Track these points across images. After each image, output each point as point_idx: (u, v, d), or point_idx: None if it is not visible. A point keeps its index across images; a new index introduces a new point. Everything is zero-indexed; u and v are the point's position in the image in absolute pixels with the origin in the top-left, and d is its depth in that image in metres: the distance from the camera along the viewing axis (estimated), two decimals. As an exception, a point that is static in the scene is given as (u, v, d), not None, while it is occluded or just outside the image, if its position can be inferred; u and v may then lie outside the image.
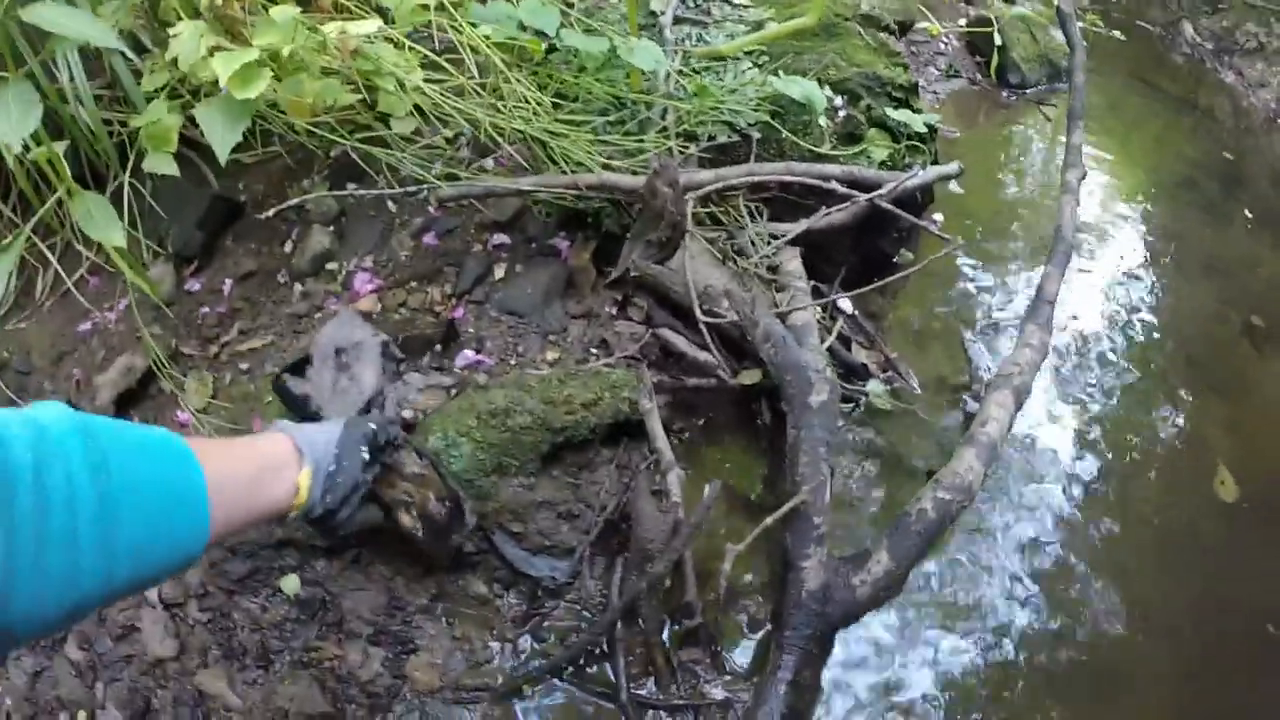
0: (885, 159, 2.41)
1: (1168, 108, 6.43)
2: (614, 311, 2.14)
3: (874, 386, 2.21)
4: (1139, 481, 2.34)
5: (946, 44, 4.59)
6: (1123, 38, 6.69)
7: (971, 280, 2.89)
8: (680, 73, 2.22)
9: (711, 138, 2.20)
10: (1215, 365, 2.84)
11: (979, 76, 4.57)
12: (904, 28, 3.97)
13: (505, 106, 2.13)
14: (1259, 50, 7.65)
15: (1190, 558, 2.17)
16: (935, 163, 2.68)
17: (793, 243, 2.19)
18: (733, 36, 2.40)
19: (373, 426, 1.54)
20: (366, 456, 1.49)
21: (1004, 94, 4.59)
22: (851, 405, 2.24)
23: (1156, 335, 2.91)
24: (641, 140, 2.11)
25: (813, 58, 2.46)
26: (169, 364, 2.25)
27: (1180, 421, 2.57)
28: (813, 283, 2.23)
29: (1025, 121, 4.42)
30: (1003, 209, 3.40)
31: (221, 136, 1.97)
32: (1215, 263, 3.49)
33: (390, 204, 2.42)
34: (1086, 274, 3.10)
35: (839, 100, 2.41)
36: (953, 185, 3.16)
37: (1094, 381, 2.66)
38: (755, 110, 2.18)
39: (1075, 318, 2.83)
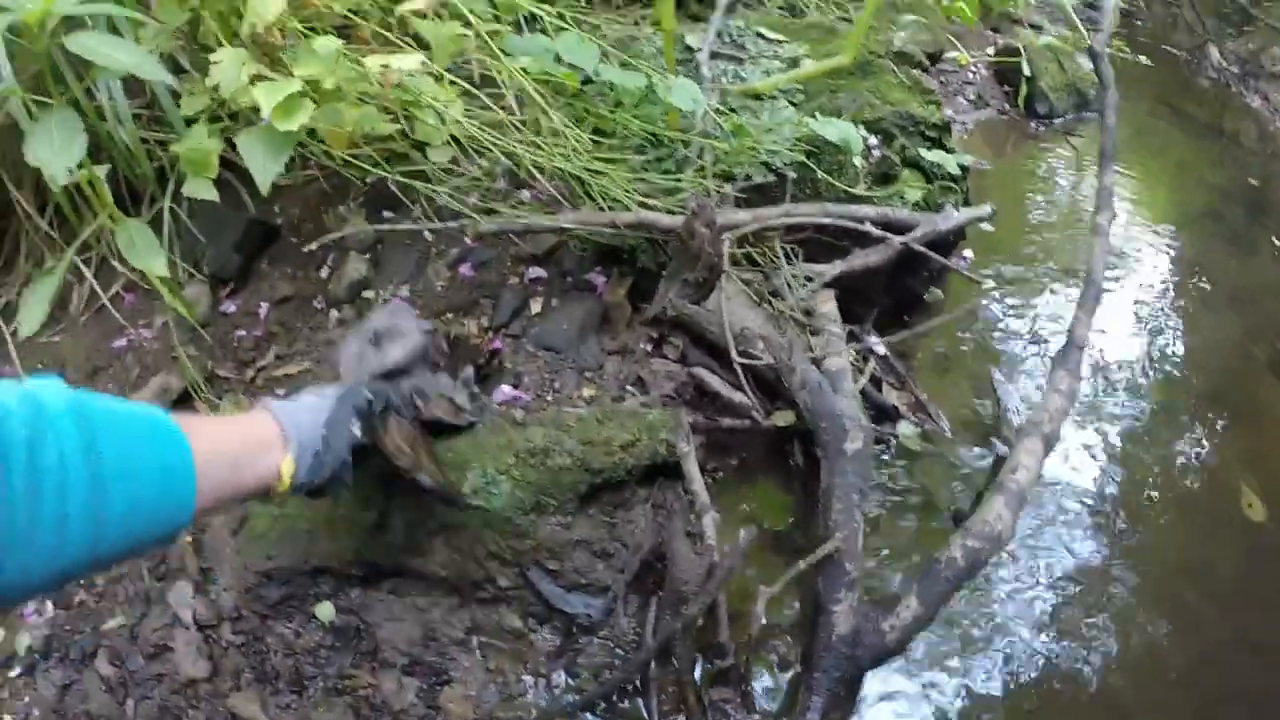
0: (919, 199, 2.46)
1: (1193, 133, 6.49)
2: (649, 349, 2.20)
3: (904, 429, 2.27)
4: (1163, 509, 2.38)
5: (975, 73, 4.65)
6: (1148, 63, 6.76)
7: (1000, 315, 2.94)
8: (718, 111, 2.27)
9: (748, 177, 2.26)
10: (1239, 395, 2.89)
11: (1007, 106, 4.64)
12: (933, 58, 4.01)
13: (544, 141, 2.19)
14: None
15: (1217, 585, 2.21)
16: (967, 202, 2.74)
17: (827, 285, 2.24)
18: (768, 73, 2.46)
19: (368, 396, 1.59)
20: (357, 433, 1.53)
21: (1032, 124, 4.65)
22: (882, 446, 2.28)
23: (1180, 364, 2.96)
24: (679, 179, 2.16)
25: (848, 96, 2.51)
26: (205, 386, 2.31)
27: (1205, 448, 2.62)
28: (848, 328, 2.27)
29: (1053, 152, 4.47)
30: (1031, 242, 3.45)
31: (263, 166, 2.03)
32: (1240, 292, 3.55)
33: (426, 233, 2.47)
34: (1110, 297, 3.14)
35: (873, 140, 2.47)
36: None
37: (1117, 409, 2.71)
38: (791, 150, 2.23)
39: (1099, 348, 2.88)
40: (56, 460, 0.95)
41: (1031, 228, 3.63)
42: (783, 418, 2.07)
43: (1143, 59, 6.72)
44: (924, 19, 3.92)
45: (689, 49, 2.55)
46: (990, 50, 4.95)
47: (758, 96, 2.39)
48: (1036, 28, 5.95)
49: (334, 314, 2.42)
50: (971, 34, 4.94)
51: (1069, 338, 2.45)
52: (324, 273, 2.53)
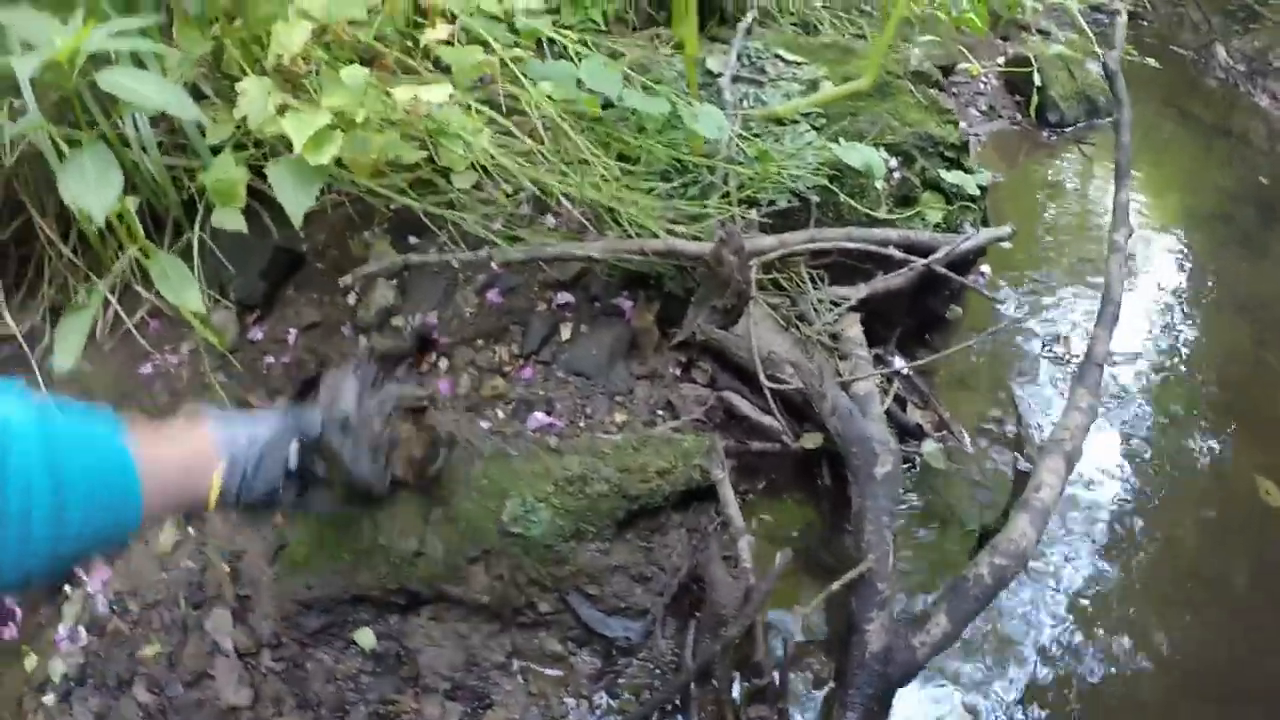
0: (939, 220, 2.54)
1: (1202, 134, 6.59)
2: (678, 373, 2.28)
3: (929, 447, 2.35)
4: (1178, 514, 2.46)
5: (986, 84, 4.74)
6: (1156, 65, 6.84)
7: (1019, 328, 3.02)
8: (740, 136, 2.34)
9: (771, 202, 2.34)
10: (1251, 400, 2.97)
11: (1019, 115, 4.72)
12: (946, 71, 4.11)
13: (570, 168, 2.26)
14: None
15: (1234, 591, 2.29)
16: (986, 220, 2.81)
17: (852, 308, 2.32)
18: (789, 96, 2.54)
19: (318, 426, 1.62)
20: (293, 461, 1.57)
21: (1044, 133, 4.74)
22: (908, 465, 2.36)
23: (1193, 368, 3.05)
24: (705, 205, 2.24)
25: (868, 118, 2.60)
26: None
27: (1219, 452, 2.70)
28: (873, 351, 2.35)
29: (1066, 161, 4.56)
30: (1047, 253, 3.54)
31: (294, 199, 2.10)
32: (1251, 298, 3.66)
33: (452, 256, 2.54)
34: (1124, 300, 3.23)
35: (893, 162, 2.55)
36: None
37: (1130, 414, 2.80)
38: (815, 174, 2.31)
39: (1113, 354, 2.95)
40: (22, 473, 1.05)
41: (1046, 239, 3.71)
42: (811, 440, 2.15)
43: (1151, 61, 6.82)
44: (936, 35, 4.02)
45: (710, 73, 2.63)
46: (1001, 60, 5.04)
47: (780, 121, 2.47)
48: (1045, 34, 6.04)
49: (363, 340, 2.48)
50: (982, 44, 5.03)
51: (1088, 355, 2.53)
52: (351, 299, 2.59)
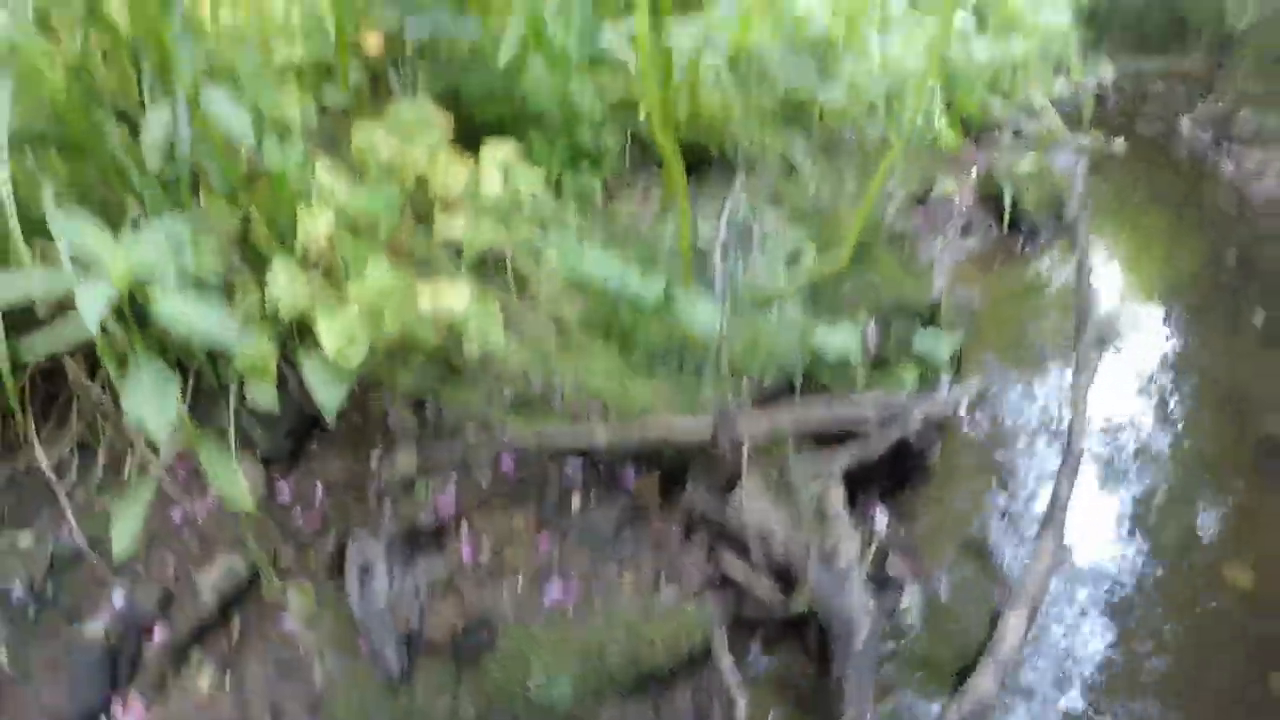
0: (916, 378, 2.84)
1: (1172, 207, 7.02)
2: (680, 540, 2.55)
3: (908, 599, 2.62)
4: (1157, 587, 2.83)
5: (962, 202, 5.05)
6: (1124, 144, 7.20)
7: (993, 464, 3.30)
8: (732, 313, 2.64)
9: (762, 380, 2.62)
10: (1226, 477, 3.37)
11: (994, 228, 5.04)
12: (922, 197, 4.44)
13: (575, 350, 2.55)
14: (1255, 138, 8.19)
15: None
16: (959, 368, 3.12)
17: (837, 474, 2.61)
18: (775, 265, 2.84)
19: None
20: None
21: (1018, 244, 5.07)
22: (890, 613, 2.63)
23: (1172, 444, 3.45)
24: (700, 384, 2.53)
25: (850, 288, 2.91)
26: (270, 570, 2.58)
27: (1196, 530, 3.10)
28: (860, 502, 2.62)
29: (1038, 271, 4.87)
30: (1021, 368, 3.83)
31: (328, 396, 2.39)
32: (1224, 373, 4.14)
33: (468, 422, 2.81)
34: (1106, 376, 3.74)
35: (871, 327, 2.84)
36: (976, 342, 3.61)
37: (1110, 491, 3.19)
38: (799, 354, 2.60)
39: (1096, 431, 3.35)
40: None
41: (1019, 356, 4.00)
42: (799, 603, 2.41)
43: (1119, 141, 7.20)
44: (913, 161, 4.35)
45: (702, 238, 2.92)
46: (974, 172, 5.37)
47: (769, 299, 2.77)
48: (1017, 133, 6.41)
49: (387, 502, 2.73)
50: (957, 160, 5.36)
51: (1052, 500, 2.82)
52: (372, 461, 2.84)
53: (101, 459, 2.79)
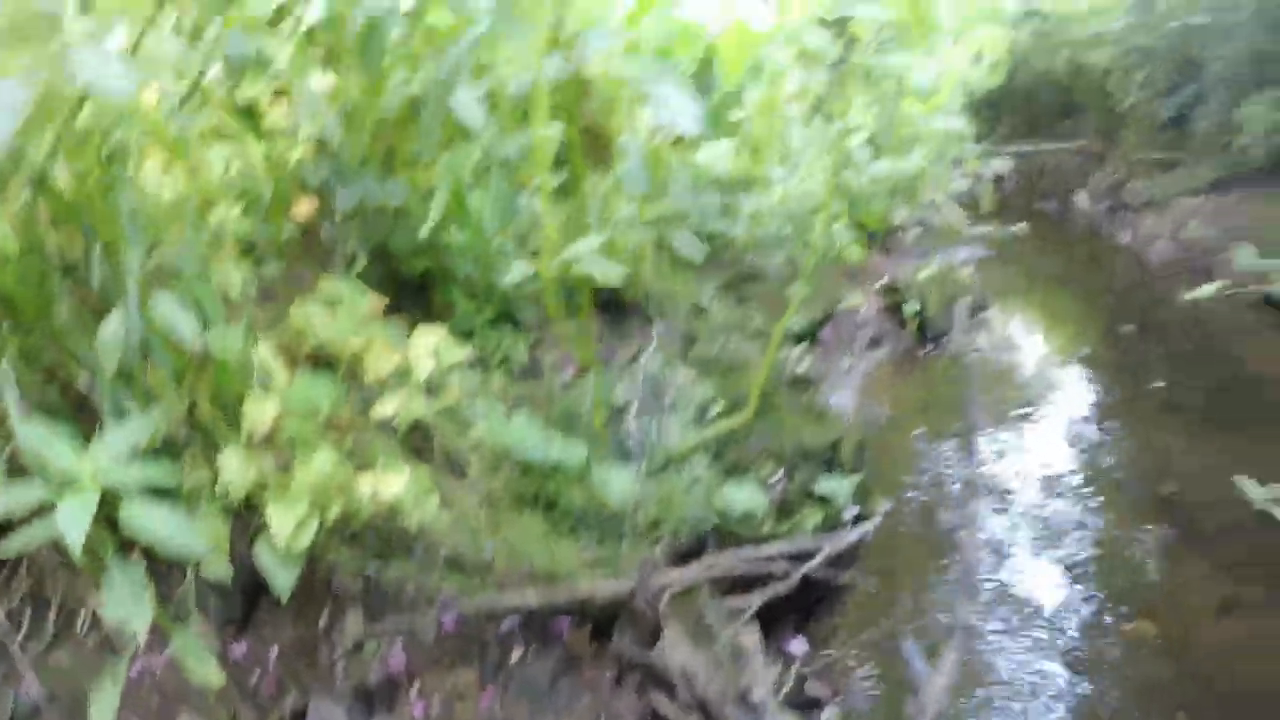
0: (819, 522, 3.15)
1: (1076, 279, 7.54)
2: (612, 685, 2.82)
3: (828, 717, 2.90)
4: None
5: (869, 313, 5.42)
6: (1025, 225, 7.72)
7: (901, 580, 3.61)
8: (648, 473, 2.94)
9: (676, 536, 2.92)
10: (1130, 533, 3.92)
11: (901, 336, 5.41)
12: (827, 318, 4.80)
13: (505, 520, 2.83)
14: (1147, 205, 8.80)
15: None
16: (866, 494, 3.44)
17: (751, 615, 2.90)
18: (686, 425, 3.15)
19: None
20: None
21: (924, 349, 5.44)
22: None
23: (1072, 507, 3.95)
24: (621, 543, 2.82)
25: (755, 440, 3.23)
26: None
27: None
28: (778, 633, 2.95)
29: (944, 377, 5.24)
30: (924, 491, 4.16)
31: (281, 579, 2.65)
32: (1127, 434, 4.83)
33: (410, 585, 3.06)
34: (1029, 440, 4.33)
35: (776, 475, 3.16)
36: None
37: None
38: (709, 511, 2.91)
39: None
40: None
41: (923, 470, 4.34)
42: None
43: (1020, 225, 7.70)
44: (817, 283, 4.70)
45: (617, 409, 3.23)
46: (880, 284, 5.76)
47: (681, 457, 3.07)
48: (923, 231, 6.85)
49: (340, 664, 2.97)
50: (865, 270, 5.75)
51: (951, 626, 3.13)
52: (322, 621, 3.07)
53: (53, 613, 2.92)
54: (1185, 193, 8.51)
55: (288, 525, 2.62)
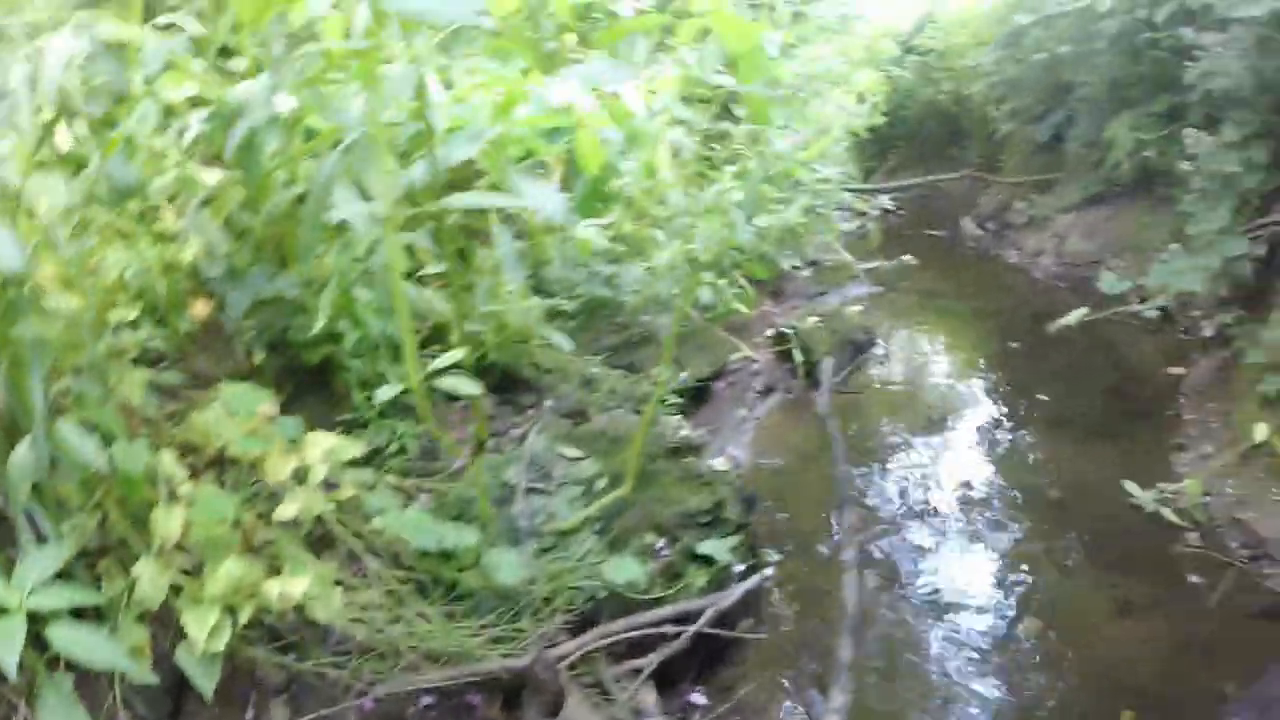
0: (705, 583, 3.41)
1: (966, 300, 7.99)
2: (528, 755, 3.05)
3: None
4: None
5: (760, 363, 5.72)
6: (911, 257, 8.14)
7: (794, 626, 3.90)
8: (538, 552, 3.19)
9: (571, 609, 3.17)
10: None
11: (791, 381, 5.71)
12: (718, 372, 5.10)
13: (409, 606, 3.06)
14: (1030, 224, 9.33)
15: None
16: (755, 550, 3.72)
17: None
18: (572, 501, 3.41)
19: None
20: None
21: (814, 393, 5.74)
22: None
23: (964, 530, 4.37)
24: (519, 619, 3.06)
25: (637, 511, 3.49)
26: None
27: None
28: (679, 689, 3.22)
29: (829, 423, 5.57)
30: (811, 535, 4.46)
31: (203, 680, 2.85)
32: (1020, 453, 5.32)
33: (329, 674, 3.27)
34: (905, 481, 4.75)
35: (660, 543, 3.44)
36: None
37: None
38: (598, 581, 3.17)
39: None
40: None
41: (810, 514, 4.63)
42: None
43: (908, 258, 8.12)
44: (706, 340, 5.01)
45: (506, 484, 3.48)
46: (769, 332, 6.07)
47: (567, 532, 3.33)
48: (814, 271, 7.19)
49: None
50: (751, 323, 6.05)
51: (838, 662, 3.41)
52: (249, 713, 3.26)
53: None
54: (1063, 210, 9.02)
55: (203, 631, 2.82)
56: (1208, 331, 6.03)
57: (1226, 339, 5.76)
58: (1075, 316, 6.32)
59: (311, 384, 4.09)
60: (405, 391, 3.70)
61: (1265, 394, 4.90)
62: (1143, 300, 6.41)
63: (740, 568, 3.65)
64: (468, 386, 2.93)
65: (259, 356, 3.93)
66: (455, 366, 2.96)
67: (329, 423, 3.79)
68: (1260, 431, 4.78)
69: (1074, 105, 8.84)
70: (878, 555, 4.33)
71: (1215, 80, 5.61)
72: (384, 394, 3.21)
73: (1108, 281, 6.06)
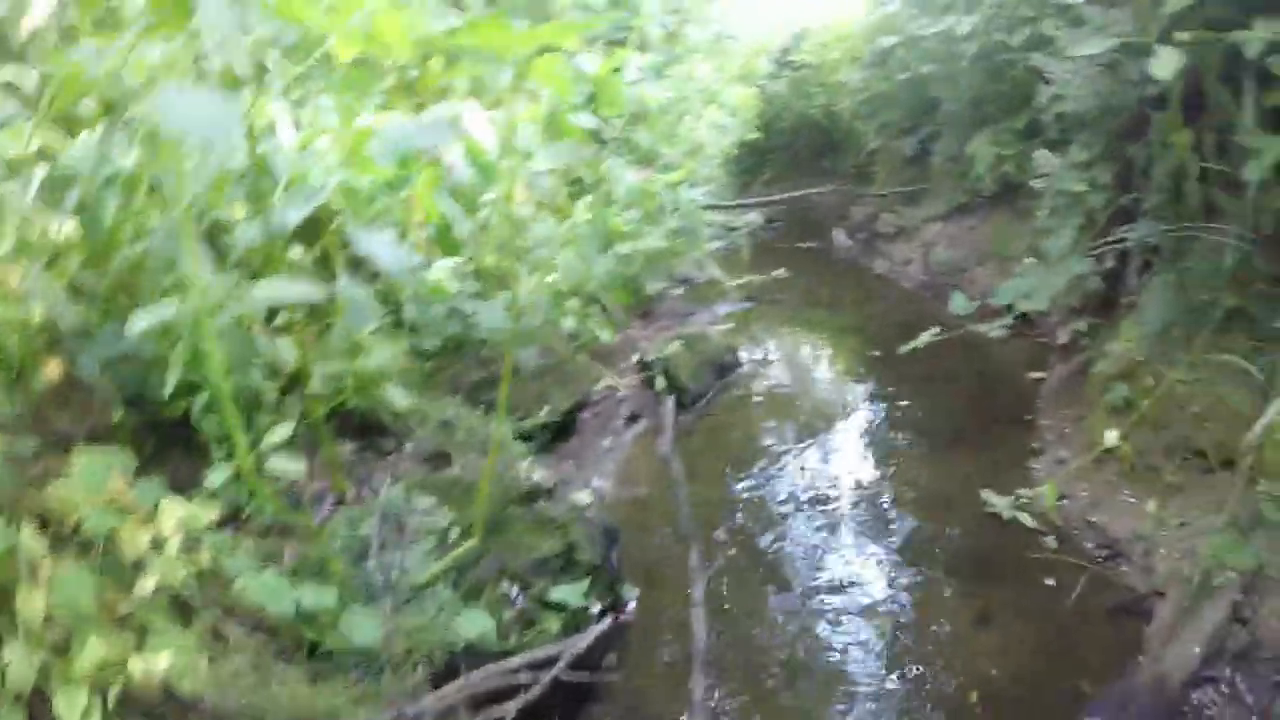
0: (560, 628, 3.50)
1: (839, 312, 8.21)
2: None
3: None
4: None
5: (625, 390, 5.82)
6: (786, 273, 8.34)
7: (655, 659, 4.00)
8: (396, 608, 3.24)
9: (429, 661, 3.23)
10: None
11: (657, 406, 5.82)
12: (582, 404, 5.19)
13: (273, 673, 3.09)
14: (898, 234, 9.67)
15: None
16: (614, 587, 3.82)
17: None
18: (428, 554, 3.47)
19: None
20: None
21: (680, 416, 5.86)
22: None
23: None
24: (381, 678, 3.12)
25: (491, 559, 3.57)
26: None
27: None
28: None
29: (701, 446, 5.69)
30: (682, 577, 4.56)
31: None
32: (883, 463, 5.59)
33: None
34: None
35: (514, 590, 3.54)
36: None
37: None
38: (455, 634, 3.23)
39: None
40: None
41: (668, 548, 4.74)
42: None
43: (781, 272, 8.33)
44: (566, 374, 5.09)
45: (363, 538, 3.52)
46: (635, 358, 6.17)
47: (424, 585, 3.38)
48: (685, 289, 7.34)
49: None
50: (616, 352, 6.16)
51: (690, 702, 3.52)
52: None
53: None
54: (929, 220, 9.38)
55: (74, 712, 2.85)
56: (1062, 339, 6.31)
57: (1079, 347, 6.01)
58: (925, 338, 6.56)
59: (175, 438, 4.07)
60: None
61: (1112, 403, 5.14)
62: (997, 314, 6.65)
63: (597, 608, 3.72)
64: (294, 467, 2.99)
65: (117, 414, 3.89)
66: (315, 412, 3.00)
67: (193, 479, 3.79)
68: (1110, 437, 5.03)
69: (939, 121, 9.21)
70: (727, 586, 4.43)
71: (1064, 104, 5.86)
72: (215, 479, 3.22)
73: (958, 302, 6.30)
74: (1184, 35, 4.27)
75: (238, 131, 2.57)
